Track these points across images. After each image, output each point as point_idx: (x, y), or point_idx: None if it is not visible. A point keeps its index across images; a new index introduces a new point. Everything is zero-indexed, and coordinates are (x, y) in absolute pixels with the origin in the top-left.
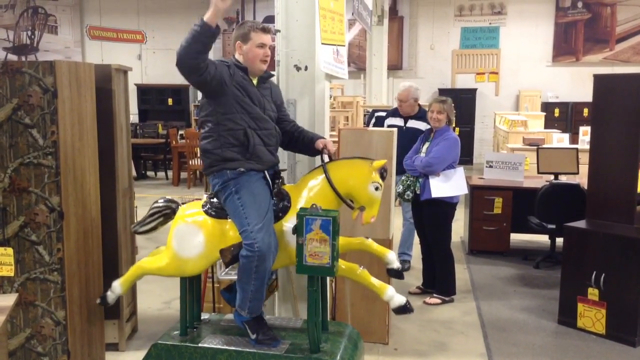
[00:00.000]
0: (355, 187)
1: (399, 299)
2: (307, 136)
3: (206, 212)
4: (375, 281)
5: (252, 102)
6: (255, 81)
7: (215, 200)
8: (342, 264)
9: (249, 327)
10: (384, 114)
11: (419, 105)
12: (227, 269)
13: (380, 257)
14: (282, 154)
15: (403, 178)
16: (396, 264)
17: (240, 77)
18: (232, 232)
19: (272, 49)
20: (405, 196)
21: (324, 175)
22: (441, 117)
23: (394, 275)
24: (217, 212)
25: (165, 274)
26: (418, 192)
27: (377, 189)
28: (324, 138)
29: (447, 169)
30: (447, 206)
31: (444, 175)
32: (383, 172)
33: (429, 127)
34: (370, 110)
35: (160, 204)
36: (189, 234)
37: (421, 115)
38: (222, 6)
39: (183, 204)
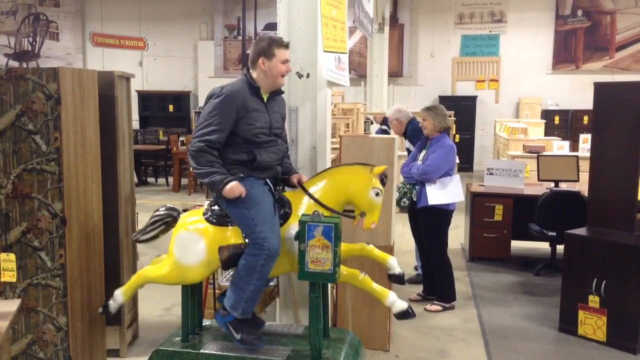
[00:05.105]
0: (355, 193)
1: (400, 305)
2: (286, 167)
3: (207, 220)
4: (377, 287)
5: (259, 126)
6: (265, 97)
7: (216, 207)
8: (343, 270)
9: (233, 328)
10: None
11: (408, 123)
12: (229, 275)
13: (381, 263)
14: None
15: (399, 185)
16: (397, 270)
17: (250, 100)
18: (232, 239)
19: None
20: (402, 203)
21: (324, 181)
22: (425, 124)
23: (396, 280)
24: (218, 219)
25: (167, 282)
26: (415, 199)
27: (377, 194)
28: (298, 173)
29: (444, 177)
30: (443, 214)
31: (440, 182)
32: (383, 178)
33: (413, 142)
34: (371, 117)
35: (162, 212)
36: (190, 242)
37: (406, 132)
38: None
39: (184, 210)
